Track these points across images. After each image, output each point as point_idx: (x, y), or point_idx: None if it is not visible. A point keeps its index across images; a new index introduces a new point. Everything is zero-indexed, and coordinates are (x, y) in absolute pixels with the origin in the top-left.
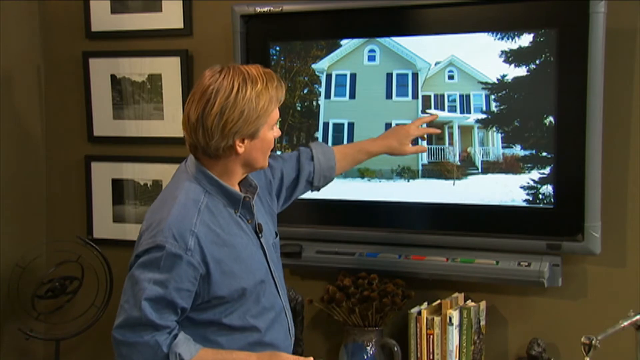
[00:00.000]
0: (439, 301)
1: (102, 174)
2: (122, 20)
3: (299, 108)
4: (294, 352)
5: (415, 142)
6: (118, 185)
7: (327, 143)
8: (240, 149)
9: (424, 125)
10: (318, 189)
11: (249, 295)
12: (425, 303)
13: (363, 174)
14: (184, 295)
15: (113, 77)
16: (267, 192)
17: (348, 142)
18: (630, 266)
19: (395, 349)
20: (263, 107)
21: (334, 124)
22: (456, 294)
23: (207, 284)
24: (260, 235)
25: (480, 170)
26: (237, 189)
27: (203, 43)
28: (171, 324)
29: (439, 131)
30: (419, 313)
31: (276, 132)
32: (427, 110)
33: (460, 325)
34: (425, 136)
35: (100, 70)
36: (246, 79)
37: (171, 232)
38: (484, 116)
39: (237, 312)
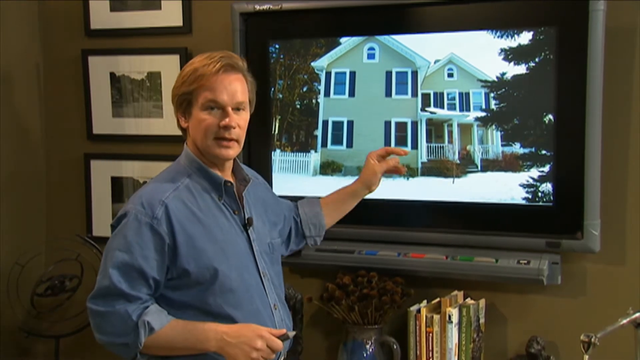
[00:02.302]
0: (438, 299)
1: (102, 172)
2: (121, 18)
3: (298, 106)
4: (293, 351)
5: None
6: (117, 183)
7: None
8: (183, 123)
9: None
10: (315, 243)
11: (222, 279)
12: (425, 301)
13: None
14: (153, 264)
15: (112, 75)
16: (273, 210)
17: (347, 140)
18: (629, 264)
19: (395, 346)
20: (186, 81)
21: (334, 122)
22: (455, 292)
23: (174, 255)
24: (248, 228)
25: (479, 168)
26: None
27: (202, 41)
28: (143, 296)
29: (404, 171)
30: (418, 311)
31: (215, 118)
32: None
33: (460, 323)
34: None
35: (100, 68)
36: (192, 58)
37: (140, 201)
38: (483, 114)
39: (214, 298)
